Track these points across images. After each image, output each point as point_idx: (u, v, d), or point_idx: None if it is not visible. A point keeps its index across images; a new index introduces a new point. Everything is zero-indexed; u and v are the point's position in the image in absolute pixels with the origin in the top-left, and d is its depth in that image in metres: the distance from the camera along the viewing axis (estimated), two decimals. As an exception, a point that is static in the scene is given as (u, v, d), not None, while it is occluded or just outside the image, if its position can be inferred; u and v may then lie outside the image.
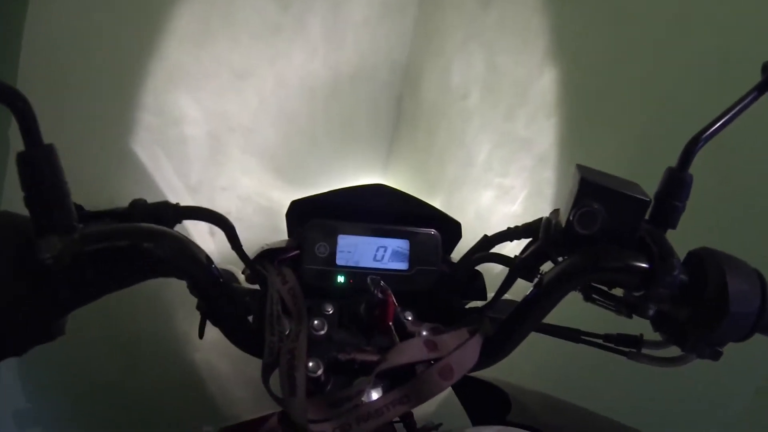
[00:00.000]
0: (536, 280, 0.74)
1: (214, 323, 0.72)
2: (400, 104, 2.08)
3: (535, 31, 1.71)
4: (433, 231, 0.87)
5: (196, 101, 1.64)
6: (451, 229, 0.90)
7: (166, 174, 1.63)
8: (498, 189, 1.82)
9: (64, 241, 0.54)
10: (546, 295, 0.71)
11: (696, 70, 1.41)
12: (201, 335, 0.78)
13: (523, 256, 0.77)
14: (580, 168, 0.71)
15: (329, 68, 1.86)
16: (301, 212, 0.86)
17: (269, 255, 0.84)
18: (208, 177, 1.72)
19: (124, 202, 0.70)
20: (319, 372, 0.70)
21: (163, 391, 1.76)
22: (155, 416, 1.80)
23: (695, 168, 0.69)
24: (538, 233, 0.78)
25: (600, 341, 0.82)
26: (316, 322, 0.76)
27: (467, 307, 0.91)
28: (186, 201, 1.64)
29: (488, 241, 0.84)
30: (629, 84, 1.52)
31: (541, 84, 1.69)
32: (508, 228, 0.82)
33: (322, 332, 0.76)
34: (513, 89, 1.77)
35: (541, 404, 0.98)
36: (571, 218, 0.68)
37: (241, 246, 0.77)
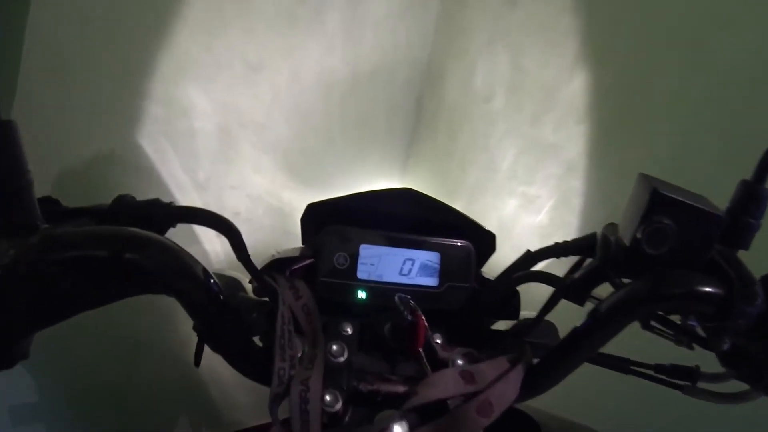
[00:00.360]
0: (590, 305, 0.66)
1: (214, 348, 0.62)
2: (420, 104, 2.00)
3: (564, 32, 1.61)
4: (466, 243, 0.78)
5: (206, 93, 1.55)
6: (484, 241, 0.81)
7: (173, 169, 1.55)
8: (522, 198, 1.73)
9: (19, 246, 0.43)
10: (605, 324, 0.61)
11: (737, 72, 1.30)
12: (197, 363, 0.67)
13: (575, 276, 0.68)
14: (646, 178, 0.62)
15: (347, 64, 1.78)
16: (318, 217, 0.76)
17: (280, 265, 0.74)
18: (216, 174, 1.64)
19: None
20: (337, 406, 0.61)
21: (163, 395, 1.69)
22: (156, 421, 1.75)
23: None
24: (590, 250, 0.69)
25: (651, 372, 0.73)
26: (334, 347, 0.67)
27: (500, 329, 0.81)
28: (193, 199, 1.59)
29: (531, 257, 0.75)
30: (665, 88, 1.42)
31: (571, 87, 1.59)
32: (556, 243, 0.72)
33: (342, 359, 0.66)
34: (540, 92, 1.68)
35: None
36: (638, 235, 0.59)
37: (248, 254, 0.65)
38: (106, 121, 1.41)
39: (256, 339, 0.69)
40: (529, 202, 1.73)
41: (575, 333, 0.65)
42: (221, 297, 0.57)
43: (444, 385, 0.61)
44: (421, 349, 0.65)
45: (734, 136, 1.24)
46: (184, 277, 0.53)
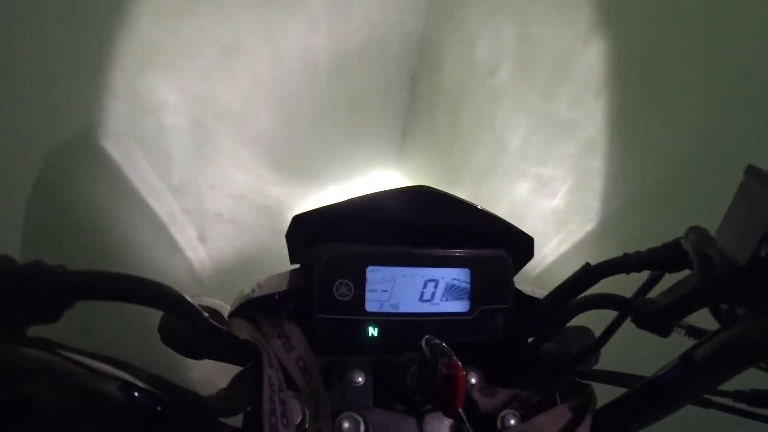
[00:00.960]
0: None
1: None
2: (415, 83, 1.88)
3: (577, -3, 1.45)
4: (500, 251, 0.61)
5: (175, 84, 1.41)
6: (521, 247, 0.64)
7: (143, 173, 1.41)
8: (535, 180, 1.57)
9: None
10: (706, 371, 0.46)
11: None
12: None
13: (658, 300, 0.51)
14: (759, 172, 0.45)
15: (333, 42, 1.65)
16: (308, 231, 0.58)
17: (261, 301, 0.57)
18: (193, 174, 1.50)
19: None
20: None
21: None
22: None
23: None
24: (671, 265, 0.52)
25: (730, 402, 0.56)
26: (346, 425, 0.49)
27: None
28: (169, 204, 1.44)
29: (591, 274, 0.57)
30: (693, 56, 1.25)
31: (586, 58, 1.44)
32: (625, 254, 0.55)
33: None
34: (552, 64, 1.53)
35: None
36: (763, 254, 0.41)
37: (200, 315, 0.44)
38: (62, 122, 1.25)
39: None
40: (542, 185, 1.57)
41: (660, 381, 0.50)
42: (158, 408, 0.38)
43: None
44: (461, 410, 0.48)
45: None
46: (93, 412, 0.33)
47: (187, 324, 0.40)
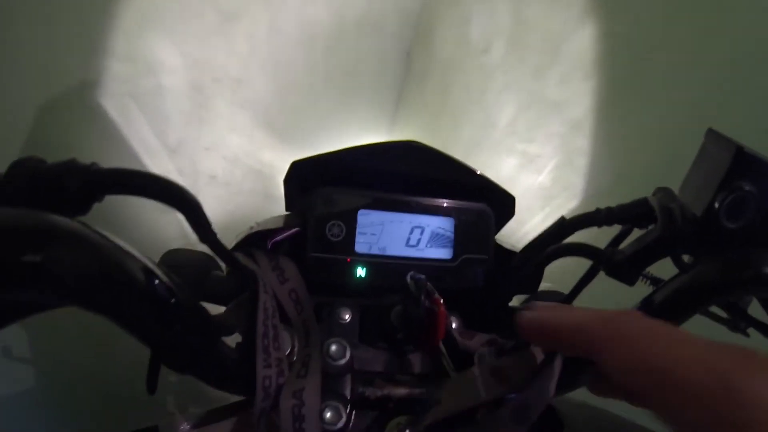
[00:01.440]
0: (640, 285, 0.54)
1: (173, 367, 0.45)
2: (410, 57, 1.89)
3: (572, -22, 1.48)
4: (483, 205, 0.65)
5: (175, 46, 1.43)
6: (502, 205, 0.68)
7: (141, 132, 1.42)
8: (522, 156, 1.60)
9: None
10: (666, 313, 0.49)
11: (764, 24, 1.17)
12: (150, 389, 0.50)
13: (625, 250, 0.55)
14: (721, 135, 0.49)
15: (331, 14, 1.66)
16: (305, 178, 0.62)
17: (260, 240, 0.60)
18: (189, 135, 1.52)
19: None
20: (340, 424, 0.48)
21: (142, 378, 1.58)
22: (135, 403, 1.64)
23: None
24: (639, 219, 0.56)
25: None
26: (333, 347, 0.52)
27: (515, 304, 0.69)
28: (164, 164, 1.46)
29: (565, 227, 0.61)
30: (686, 42, 1.28)
31: (578, 40, 1.47)
32: (597, 210, 0.58)
33: (343, 361, 0.52)
34: (544, 45, 1.55)
35: (597, 422, 0.77)
36: (716, 205, 0.45)
37: (213, 232, 0.45)
38: (62, 81, 1.28)
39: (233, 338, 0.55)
40: (529, 162, 1.60)
41: None
42: (173, 300, 0.40)
43: (473, 389, 0.48)
44: (441, 344, 0.52)
45: (761, 99, 1.11)
46: (113, 284, 0.35)
47: (200, 232, 0.43)
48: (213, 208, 1.58)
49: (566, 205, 1.50)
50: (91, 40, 1.30)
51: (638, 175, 1.31)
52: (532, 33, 1.57)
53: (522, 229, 1.59)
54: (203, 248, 0.64)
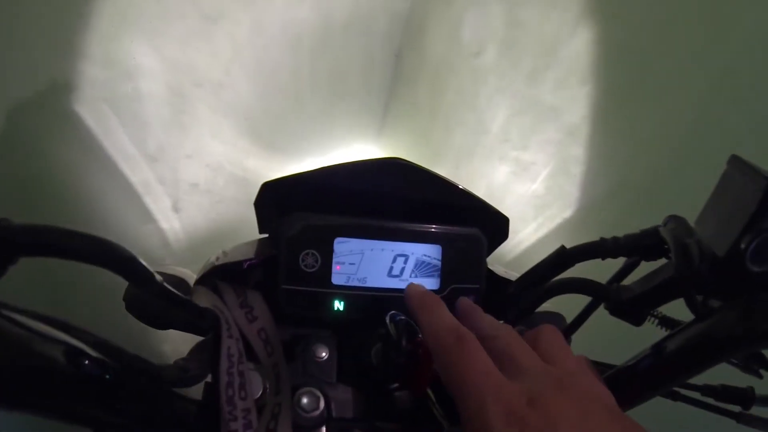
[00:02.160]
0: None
1: None
2: (400, 59, 1.85)
3: (569, -19, 1.43)
4: (474, 230, 0.59)
5: (154, 49, 1.37)
6: (495, 227, 0.62)
7: (118, 140, 1.37)
8: (515, 164, 1.56)
9: None
10: (685, 361, 0.44)
11: (764, 33, 1.12)
12: None
13: (638, 291, 0.49)
14: (748, 164, 0.43)
15: (318, 15, 1.61)
16: (277, 200, 0.56)
17: (226, 270, 0.54)
18: (170, 142, 1.46)
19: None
20: None
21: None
22: None
23: None
24: (648, 252, 0.50)
25: (698, 396, 0.56)
26: (305, 400, 0.47)
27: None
28: (144, 172, 1.40)
29: (566, 257, 0.56)
30: (682, 50, 1.24)
31: (575, 44, 1.42)
32: (602, 239, 0.53)
33: (316, 413, 0.47)
34: (539, 48, 1.50)
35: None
36: (742, 246, 0.40)
37: (153, 280, 0.39)
38: (34, 84, 1.21)
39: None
40: (522, 169, 1.55)
41: (630, 370, 0.48)
42: (107, 376, 0.35)
43: None
44: (429, 389, 0.47)
45: (757, 111, 1.06)
46: (28, 378, 0.30)
47: (141, 288, 0.37)
48: (195, 217, 1.53)
49: (560, 215, 1.46)
50: (65, 42, 1.24)
51: (636, 185, 1.27)
52: (527, 36, 1.53)
53: (515, 239, 1.54)
54: (182, 268, 0.59)
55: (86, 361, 0.33)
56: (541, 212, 1.52)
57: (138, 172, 1.41)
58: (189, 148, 1.48)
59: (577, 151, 1.42)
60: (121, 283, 0.52)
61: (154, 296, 0.38)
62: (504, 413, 0.31)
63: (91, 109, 1.29)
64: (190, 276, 0.58)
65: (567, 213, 1.44)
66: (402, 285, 0.56)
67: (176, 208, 1.50)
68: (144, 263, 0.36)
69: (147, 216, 1.45)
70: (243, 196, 1.54)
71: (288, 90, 1.60)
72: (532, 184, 1.54)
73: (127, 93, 1.34)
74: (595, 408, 0.33)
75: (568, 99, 1.43)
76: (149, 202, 1.46)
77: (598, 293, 0.52)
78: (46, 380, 0.30)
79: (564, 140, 1.45)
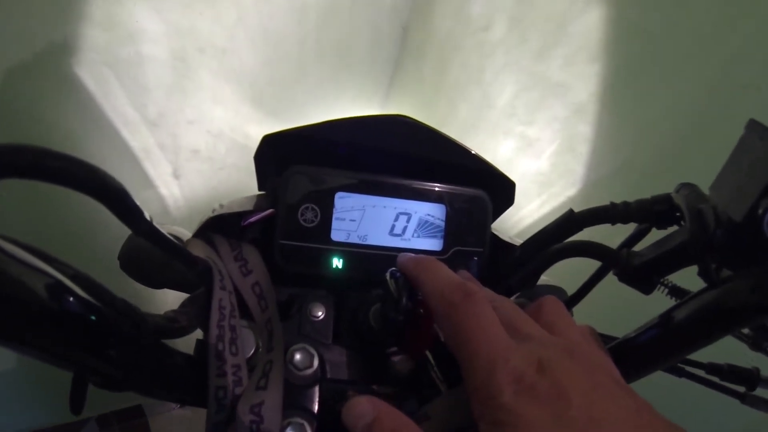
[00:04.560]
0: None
1: (105, 388, 0.38)
2: (407, 32, 1.82)
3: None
4: (479, 191, 0.57)
5: (156, 13, 1.35)
6: (500, 191, 0.60)
7: (118, 104, 1.36)
8: (521, 139, 1.54)
9: None
10: (694, 331, 0.43)
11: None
12: (75, 410, 0.38)
13: (649, 256, 0.48)
14: (762, 128, 0.41)
15: None
16: (278, 154, 0.55)
17: (225, 225, 0.53)
18: (171, 108, 1.45)
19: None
20: None
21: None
22: None
23: None
24: (659, 219, 0.49)
25: (703, 373, 0.55)
26: (298, 356, 0.45)
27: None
28: (144, 137, 1.39)
29: (573, 221, 0.54)
30: (693, 33, 1.21)
31: (585, 22, 1.39)
32: (612, 204, 0.51)
33: (309, 371, 0.45)
34: (548, 24, 1.47)
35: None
36: (759, 210, 0.38)
37: (143, 218, 0.35)
38: (34, 48, 1.20)
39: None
40: (527, 145, 1.53)
41: (635, 341, 0.47)
42: (92, 317, 0.33)
43: (468, 409, 0.41)
44: (427, 352, 0.45)
45: None
46: (9, 308, 0.29)
47: (130, 225, 0.35)
48: (195, 183, 1.52)
49: (564, 193, 1.44)
50: (65, 3, 1.22)
51: (642, 166, 1.25)
52: (536, 12, 1.50)
53: (517, 215, 1.53)
54: (180, 228, 0.57)
55: (70, 298, 0.31)
56: (545, 189, 1.50)
57: (138, 137, 1.39)
58: (190, 114, 1.47)
59: (584, 129, 1.40)
60: (115, 251, 0.51)
61: (144, 236, 0.36)
62: (513, 381, 0.30)
63: (92, 72, 1.28)
64: (187, 236, 0.57)
65: (571, 191, 1.42)
66: (403, 245, 0.55)
67: (176, 175, 1.48)
68: (136, 201, 0.34)
69: (146, 182, 1.44)
70: (244, 164, 1.52)
71: (292, 58, 1.58)
72: (537, 160, 1.52)
73: (128, 57, 1.33)
74: (604, 379, 0.31)
75: (576, 76, 1.40)
76: (149, 167, 1.45)
77: (607, 257, 0.50)
78: (23, 312, 0.28)
79: (570, 118, 1.43)
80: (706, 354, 0.53)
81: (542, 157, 1.50)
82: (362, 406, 0.35)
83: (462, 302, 0.35)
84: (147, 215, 0.35)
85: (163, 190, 1.49)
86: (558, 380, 0.30)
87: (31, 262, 0.30)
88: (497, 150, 1.60)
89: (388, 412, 0.34)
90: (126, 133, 1.37)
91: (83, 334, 0.32)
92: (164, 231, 0.41)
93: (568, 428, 0.28)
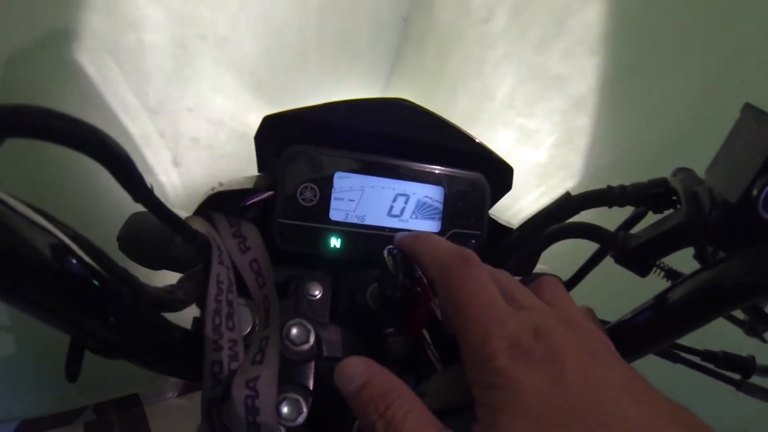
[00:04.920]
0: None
1: (102, 355, 0.38)
2: (407, 22, 1.82)
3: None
4: (478, 174, 0.58)
5: (158, 1, 1.34)
6: (499, 176, 0.61)
7: (119, 90, 1.36)
8: (520, 131, 1.54)
9: None
10: (688, 312, 0.42)
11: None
12: (70, 376, 0.38)
13: (645, 238, 0.48)
14: (757, 112, 0.42)
15: None
16: (278, 135, 0.55)
17: (225, 202, 0.53)
18: (171, 95, 1.45)
19: None
20: (300, 419, 0.42)
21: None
22: (114, 370, 1.63)
23: None
24: (656, 202, 0.50)
25: (698, 360, 0.56)
26: (294, 330, 0.46)
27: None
28: (144, 124, 1.39)
29: (570, 204, 0.54)
30: (694, 28, 1.21)
31: (586, 14, 1.38)
32: (608, 187, 0.52)
33: (305, 346, 0.46)
34: (549, 17, 1.47)
35: None
36: (754, 192, 0.38)
37: (145, 186, 0.35)
38: (34, 34, 1.20)
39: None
40: (526, 137, 1.54)
41: (630, 323, 0.46)
42: (94, 281, 0.33)
43: (464, 386, 0.41)
44: (424, 330, 0.45)
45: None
46: (10, 263, 0.29)
47: (129, 191, 0.35)
48: (194, 171, 1.52)
49: (562, 185, 1.45)
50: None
51: (639, 158, 1.25)
52: (537, 4, 1.50)
53: (515, 206, 1.53)
54: (180, 210, 0.58)
55: (73, 260, 0.31)
56: (543, 181, 1.50)
57: (138, 124, 1.39)
58: (190, 102, 1.46)
59: (583, 122, 1.40)
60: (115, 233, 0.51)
61: (143, 203, 0.36)
62: (509, 346, 0.30)
63: (93, 59, 1.27)
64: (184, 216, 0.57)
65: (569, 183, 1.43)
66: (401, 225, 0.55)
67: (176, 162, 1.48)
68: (138, 170, 0.34)
69: (146, 169, 1.44)
70: (244, 152, 1.52)
71: (294, 47, 1.58)
72: (536, 152, 1.52)
73: (129, 44, 1.32)
74: (600, 348, 0.31)
75: (576, 69, 1.40)
76: (149, 155, 1.45)
77: (604, 239, 0.51)
78: (25, 266, 0.29)
79: (570, 110, 1.43)
80: (702, 343, 0.54)
81: (541, 149, 1.51)
82: (354, 367, 0.35)
83: (459, 266, 0.35)
84: (148, 183, 0.35)
85: (163, 178, 1.49)
86: (554, 345, 0.29)
87: (35, 218, 0.30)
88: (497, 141, 1.60)
89: (381, 374, 0.34)
90: (126, 120, 1.37)
91: (83, 296, 0.32)
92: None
93: (562, 392, 0.27)
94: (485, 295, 0.33)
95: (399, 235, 0.43)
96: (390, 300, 0.44)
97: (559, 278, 0.65)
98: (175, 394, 1.93)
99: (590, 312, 0.40)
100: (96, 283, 0.33)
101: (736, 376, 0.54)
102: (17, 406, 1.62)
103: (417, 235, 0.41)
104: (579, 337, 0.31)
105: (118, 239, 0.53)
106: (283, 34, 1.54)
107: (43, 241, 0.30)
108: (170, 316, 0.43)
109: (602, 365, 0.30)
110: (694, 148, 1.08)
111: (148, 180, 0.33)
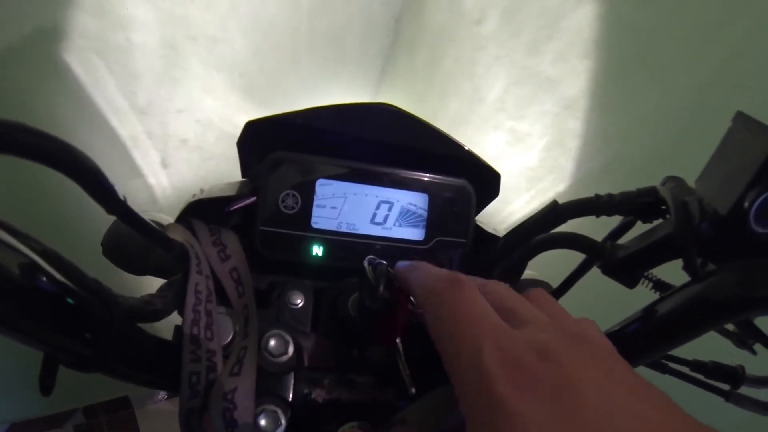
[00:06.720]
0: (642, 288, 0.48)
1: (76, 369, 0.37)
2: (399, 23, 1.82)
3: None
4: (463, 181, 0.57)
5: (147, 1, 1.34)
6: (485, 182, 0.60)
7: (107, 91, 1.35)
8: (510, 134, 1.53)
9: None
10: (676, 325, 0.42)
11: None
12: (45, 390, 0.37)
13: (633, 249, 0.48)
14: (749, 120, 0.41)
15: None
16: (261, 141, 0.54)
17: (205, 210, 0.52)
18: (160, 96, 1.44)
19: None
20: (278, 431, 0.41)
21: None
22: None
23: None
24: (644, 211, 0.49)
25: (687, 370, 0.55)
26: (272, 342, 0.45)
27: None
28: (132, 125, 1.38)
29: (558, 213, 0.54)
30: (687, 33, 1.20)
31: (578, 17, 1.38)
32: (596, 195, 0.51)
33: (284, 357, 0.45)
34: (541, 19, 1.47)
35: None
36: (745, 204, 0.38)
37: (117, 198, 0.35)
38: (22, 33, 1.19)
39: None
40: (517, 140, 1.53)
41: (618, 335, 0.46)
42: (67, 299, 0.33)
43: (449, 409, 0.40)
44: (398, 340, 0.43)
45: (760, 96, 1.04)
46: None
47: (103, 204, 0.34)
48: (183, 173, 1.51)
49: (553, 188, 1.44)
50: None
51: (631, 162, 1.25)
52: (530, 6, 1.49)
53: (505, 210, 1.53)
54: (164, 215, 0.57)
55: (43, 278, 0.31)
56: (533, 184, 1.50)
57: (126, 125, 1.38)
58: (180, 103, 1.46)
59: (574, 125, 1.39)
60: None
61: (117, 216, 0.35)
62: (507, 362, 0.26)
63: (81, 59, 1.27)
64: (167, 221, 0.56)
65: (560, 186, 1.42)
66: (385, 233, 0.55)
67: (165, 164, 1.47)
68: (110, 180, 0.33)
69: (134, 170, 1.43)
70: (233, 154, 1.51)
71: (284, 48, 1.58)
72: (526, 155, 1.51)
73: (118, 44, 1.32)
74: (615, 365, 0.27)
75: (568, 72, 1.40)
76: (137, 156, 1.44)
77: (591, 249, 0.50)
78: None
79: (561, 113, 1.42)
80: (691, 353, 0.53)
81: (532, 152, 1.50)
82: None
83: (447, 289, 0.33)
84: (121, 195, 0.34)
85: (151, 179, 1.49)
86: (565, 369, 0.25)
87: (8, 241, 0.29)
88: (487, 145, 1.59)
89: None
90: (115, 121, 1.37)
91: (52, 313, 0.32)
92: (143, 216, 0.41)
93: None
94: (473, 308, 0.30)
95: (399, 264, 0.41)
96: (369, 310, 0.44)
97: (548, 284, 0.64)
98: (166, 397, 1.92)
99: (594, 324, 0.35)
100: (68, 299, 0.32)
101: (726, 387, 0.53)
102: (7, 408, 1.61)
103: (412, 263, 0.39)
104: (589, 354, 0.27)
105: (102, 244, 0.52)
106: (274, 34, 1.53)
107: (9, 260, 0.29)
108: (156, 325, 0.43)
109: (623, 390, 0.25)
110: (686, 152, 1.08)
111: (136, 182, 0.33)
